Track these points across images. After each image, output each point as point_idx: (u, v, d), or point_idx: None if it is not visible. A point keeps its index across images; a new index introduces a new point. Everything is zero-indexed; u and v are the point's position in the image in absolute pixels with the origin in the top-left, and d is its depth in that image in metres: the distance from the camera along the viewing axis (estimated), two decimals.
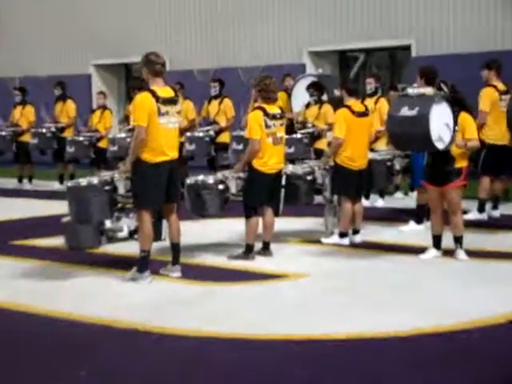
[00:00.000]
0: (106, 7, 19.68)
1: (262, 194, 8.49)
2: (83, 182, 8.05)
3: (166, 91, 7.62)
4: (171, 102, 7.60)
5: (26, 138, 15.58)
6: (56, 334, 6.09)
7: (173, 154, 7.68)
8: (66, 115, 15.44)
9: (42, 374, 5.18)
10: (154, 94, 7.49)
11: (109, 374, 5.16)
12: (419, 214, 10.00)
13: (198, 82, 17.27)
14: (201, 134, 13.42)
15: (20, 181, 16.05)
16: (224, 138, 13.47)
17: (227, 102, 13.69)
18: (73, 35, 20.02)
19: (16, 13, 21.12)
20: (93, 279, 7.81)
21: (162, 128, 7.54)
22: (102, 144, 14.08)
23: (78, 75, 19.50)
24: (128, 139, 11.59)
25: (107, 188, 7.94)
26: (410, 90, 7.87)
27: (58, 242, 9.40)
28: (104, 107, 14.70)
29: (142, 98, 7.53)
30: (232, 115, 13.68)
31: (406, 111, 7.70)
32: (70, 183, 8.31)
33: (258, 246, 8.69)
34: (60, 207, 10.77)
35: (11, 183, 16.20)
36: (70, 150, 14.34)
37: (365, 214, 9.67)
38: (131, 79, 19.68)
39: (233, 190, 8.49)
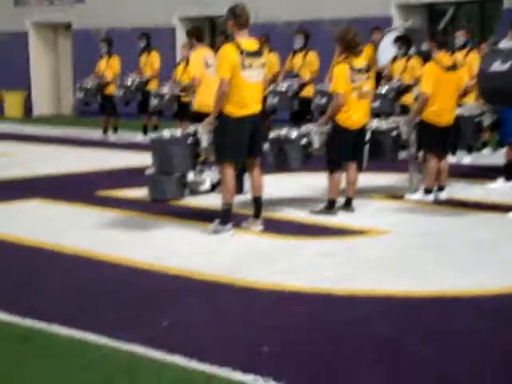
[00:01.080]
0: None
1: (345, 149, 8.42)
2: (166, 134, 8.13)
3: (250, 44, 7.59)
4: (255, 54, 7.57)
5: (112, 89, 15.77)
6: (138, 283, 6.22)
7: (256, 108, 7.67)
8: (151, 67, 15.56)
9: (122, 320, 5.30)
10: (238, 46, 7.48)
11: (189, 324, 5.25)
12: (509, 171, 9.78)
13: (283, 34, 17.13)
14: (284, 88, 13.36)
15: (105, 132, 16.31)
16: (308, 91, 13.37)
17: (312, 55, 13.55)
18: None
19: None
20: (175, 231, 7.92)
21: (246, 81, 7.53)
22: (186, 97, 14.12)
23: (163, 28, 19.58)
24: None
25: (190, 141, 8.00)
26: (502, 44, 7.65)
27: (141, 193, 9.55)
28: (188, 58, 14.69)
29: (226, 51, 7.53)
30: (316, 69, 13.54)
31: (497, 66, 7.50)
32: (153, 135, 8.41)
33: (341, 201, 8.66)
34: (144, 159, 10.93)
35: (97, 134, 16.49)
36: (154, 102, 14.46)
37: (451, 171, 9.51)
38: (216, 32, 19.64)
39: (316, 144, 8.45)
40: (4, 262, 6.98)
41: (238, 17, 7.55)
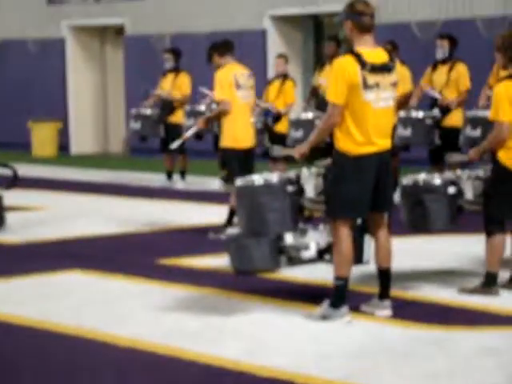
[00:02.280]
0: None
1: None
2: (257, 179, 8.20)
3: (376, 54, 7.63)
4: (384, 69, 7.59)
5: (179, 117, 16.01)
6: None
7: (383, 144, 7.69)
8: None
9: None
10: (359, 58, 7.52)
11: None
12: None
13: (419, 39, 17.17)
14: (420, 115, 13.34)
15: (169, 177, 16.53)
16: (454, 119, 13.30)
17: (461, 68, 13.48)
18: None
19: None
20: (268, 316, 7.93)
21: (370, 107, 7.56)
22: (281, 127, 14.27)
23: (250, 31, 19.86)
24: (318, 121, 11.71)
25: (290, 189, 8.05)
26: None
27: (221, 262, 9.61)
28: (285, 76, 14.89)
29: (342, 64, 7.58)
30: (466, 87, 13.49)
31: None
32: (238, 181, 8.50)
33: (505, 275, 8.57)
34: (223, 214, 11.02)
35: (158, 180, 16.73)
36: None
37: None
38: (323, 37, 19.84)
39: (469, 194, 8.40)
40: (42, 359, 7.05)
41: (361, 16, 7.60)
